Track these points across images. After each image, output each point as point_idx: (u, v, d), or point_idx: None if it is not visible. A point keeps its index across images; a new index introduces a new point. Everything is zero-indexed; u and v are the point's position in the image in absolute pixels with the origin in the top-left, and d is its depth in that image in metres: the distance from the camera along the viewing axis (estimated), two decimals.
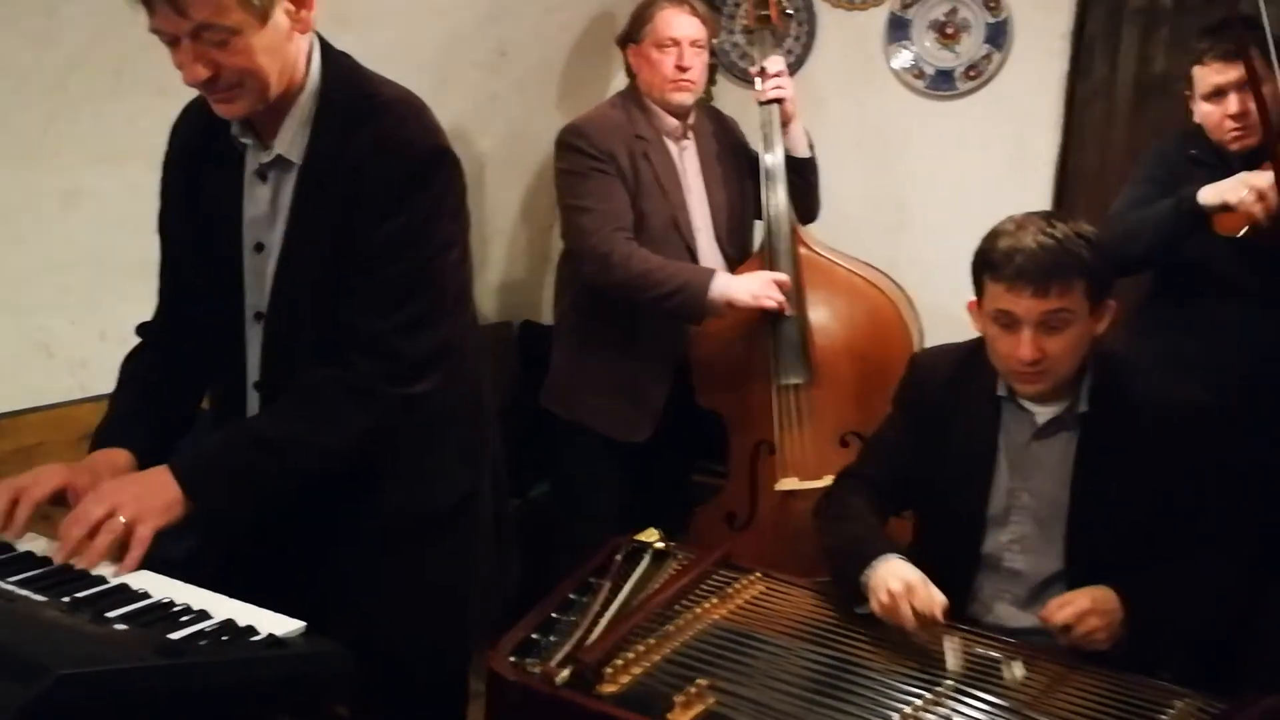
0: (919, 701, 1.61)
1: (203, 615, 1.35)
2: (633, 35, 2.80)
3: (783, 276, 2.73)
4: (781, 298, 2.70)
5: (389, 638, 1.73)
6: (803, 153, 2.90)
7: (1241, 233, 2.30)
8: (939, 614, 1.77)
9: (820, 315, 2.82)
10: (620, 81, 3.10)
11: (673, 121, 2.82)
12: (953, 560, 2.00)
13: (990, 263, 1.89)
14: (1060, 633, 1.79)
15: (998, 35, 3.40)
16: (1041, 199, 3.44)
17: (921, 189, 3.59)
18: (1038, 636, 1.88)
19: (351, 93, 1.65)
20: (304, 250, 1.65)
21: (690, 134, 2.87)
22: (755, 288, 2.69)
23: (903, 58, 3.53)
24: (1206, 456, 1.93)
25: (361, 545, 1.75)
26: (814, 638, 1.80)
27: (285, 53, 1.57)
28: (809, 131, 2.96)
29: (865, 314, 2.82)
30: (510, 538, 2.01)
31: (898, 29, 3.51)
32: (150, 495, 1.52)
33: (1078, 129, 3.44)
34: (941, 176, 3.55)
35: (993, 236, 1.92)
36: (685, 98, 2.78)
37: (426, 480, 1.80)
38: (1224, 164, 2.44)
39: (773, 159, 2.83)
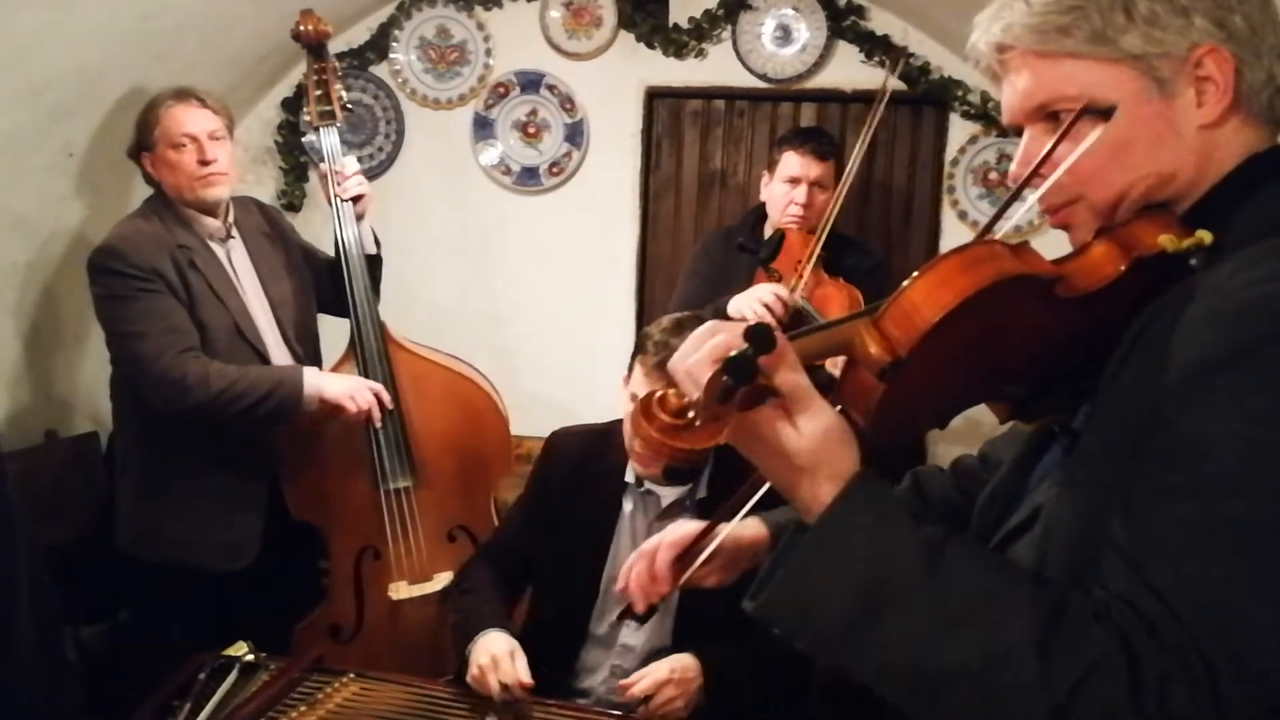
0: None
1: None
2: (144, 143, 2.60)
3: (379, 387, 2.65)
4: (374, 405, 2.61)
5: None
6: (371, 249, 2.83)
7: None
8: (518, 688, 1.85)
9: (418, 413, 2.77)
10: None
11: (213, 222, 2.63)
12: (563, 635, 2.10)
13: (642, 347, 2.05)
14: (641, 705, 1.88)
15: (575, 135, 3.63)
16: (627, 284, 3.71)
17: (519, 279, 3.75)
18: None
19: None
20: None
21: (234, 232, 2.69)
22: (351, 388, 2.59)
23: (489, 155, 3.69)
24: None
25: None
26: None
27: None
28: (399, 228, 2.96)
29: (460, 406, 2.81)
30: (65, 664, 1.87)
31: (482, 128, 3.67)
32: None
33: (652, 220, 3.74)
34: (537, 267, 3.73)
35: (654, 326, 2.08)
36: (219, 191, 2.60)
37: None
38: (767, 248, 2.86)
39: (353, 257, 2.74)
